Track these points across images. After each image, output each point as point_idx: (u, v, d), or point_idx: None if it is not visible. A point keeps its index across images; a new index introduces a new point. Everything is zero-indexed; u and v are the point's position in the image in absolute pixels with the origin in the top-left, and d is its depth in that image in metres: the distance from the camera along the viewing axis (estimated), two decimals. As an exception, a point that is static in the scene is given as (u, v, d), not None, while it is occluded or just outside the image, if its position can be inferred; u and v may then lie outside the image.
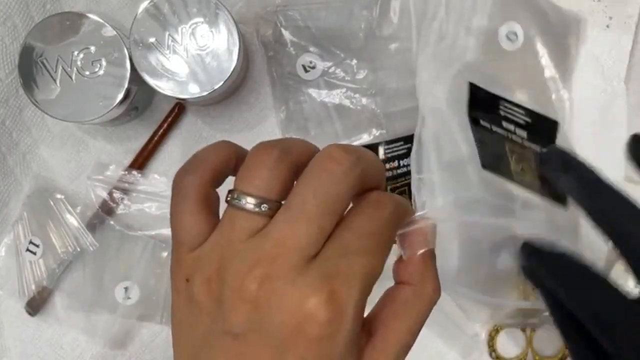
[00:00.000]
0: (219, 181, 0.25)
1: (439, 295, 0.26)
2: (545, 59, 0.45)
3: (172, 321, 0.25)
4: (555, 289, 0.31)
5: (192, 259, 0.24)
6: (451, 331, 0.48)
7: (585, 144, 0.47)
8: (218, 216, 0.25)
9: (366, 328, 0.24)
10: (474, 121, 0.39)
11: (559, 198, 0.40)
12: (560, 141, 0.43)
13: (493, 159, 0.37)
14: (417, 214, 0.27)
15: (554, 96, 0.45)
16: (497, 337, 0.48)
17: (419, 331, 0.25)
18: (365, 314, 0.24)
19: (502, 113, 0.41)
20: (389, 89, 0.45)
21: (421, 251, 0.26)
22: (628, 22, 0.48)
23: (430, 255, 0.26)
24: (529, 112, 0.42)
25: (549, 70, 0.45)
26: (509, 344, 0.48)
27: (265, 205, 0.23)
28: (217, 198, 0.25)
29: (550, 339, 0.48)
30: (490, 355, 0.48)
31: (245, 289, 0.22)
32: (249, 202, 0.23)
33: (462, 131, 0.40)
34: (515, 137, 0.40)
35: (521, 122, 0.41)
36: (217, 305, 0.22)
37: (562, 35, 0.45)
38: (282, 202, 0.23)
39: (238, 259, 0.22)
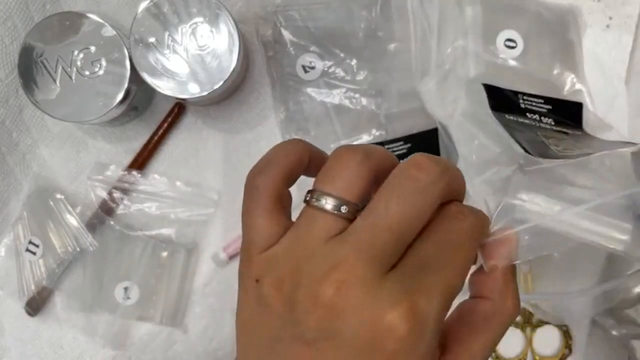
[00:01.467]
0: (292, 180, 0.25)
1: (518, 312, 0.25)
2: (549, 57, 0.45)
3: (238, 320, 0.24)
4: None
5: (264, 259, 0.23)
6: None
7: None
8: (290, 217, 0.24)
9: (440, 342, 0.23)
10: (500, 117, 0.38)
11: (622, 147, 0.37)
12: (589, 122, 0.41)
13: (532, 145, 0.36)
14: (494, 223, 0.26)
15: (566, 90, 0.45)
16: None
17: (495, 347, 0.24)
18: None
19: (522, 105, 0.40)
20: (388, 90, 0.45)
21: (504, 264, 0.25)
22: (628, 22, 0.48)
23: (512, 270, 0.25)
24: (549, 100, 0.41)
25: (556, 68, 0.45)
26: (509, 344, 0.48)
27: (345, 207, 0.22)
28: (290, 198, 0.25)
29: (550, 339, 0.48)
30: (490, 355, 0.48)
31: (321, 294, 0.21)
32: (329, 203, 0.22)
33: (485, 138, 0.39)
34: (544, 125, 0.40)
35: (544, 110, 0.41)
36: (289, 309, 0.22)
37: (561, 32, 0.45)
38: (360, 208, 0.23)
39: (314, 262, 0.22)
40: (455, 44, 0.43)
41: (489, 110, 0.39)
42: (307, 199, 0.23)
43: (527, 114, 0.40)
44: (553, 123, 0.40)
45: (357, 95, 0.45)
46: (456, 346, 0.24)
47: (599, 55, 0.48)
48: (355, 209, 0.22)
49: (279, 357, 0.22)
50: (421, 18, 0.43)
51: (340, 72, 0.44)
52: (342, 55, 0.44)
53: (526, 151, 0.35)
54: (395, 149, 0.44)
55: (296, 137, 0.46)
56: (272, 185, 0.24)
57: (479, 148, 0.36)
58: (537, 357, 0.48)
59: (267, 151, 0.25)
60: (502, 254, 0.25)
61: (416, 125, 0.44)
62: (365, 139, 0.45)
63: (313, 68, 0.44)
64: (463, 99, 0.40)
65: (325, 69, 0.44)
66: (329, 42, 0.44)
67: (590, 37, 0.47)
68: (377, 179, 0.23)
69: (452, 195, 0.23)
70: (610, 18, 0.48)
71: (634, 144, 0.37)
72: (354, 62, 0.44)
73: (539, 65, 0.44)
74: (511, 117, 0.39)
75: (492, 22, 0.43)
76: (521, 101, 0.41)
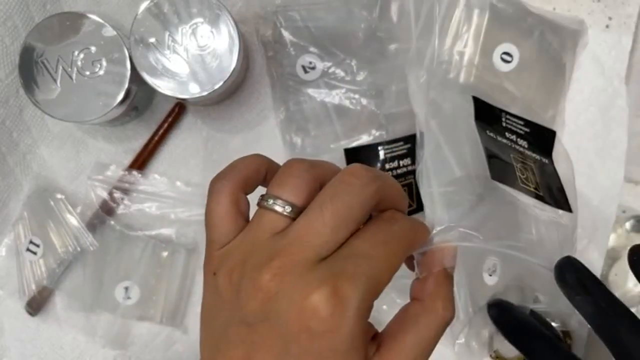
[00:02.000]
0: (249, 187, 0.28)
1: (450, 313, 0.27)
2: (539, 78, 0.45)
3: (201, 311, 0.27)
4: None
5: (220, 254, 0.26)
6: (451, 330, 0.48)
7: (586, 145, 0.47)
8: (248, 219, 0.27)
9: (377, 341, 0.26)
10: (481, 132, 0.39)
11: (563, 205, 0.40)
12: (556, 151, 0.43)
13: (501, 169, 0.38)
14: (434, 233, 0.29)
15: (548, 114, 0.45)
16: (497, 337, 0.48)
17: (429, 348, 0.26)
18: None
19: (504, 124, 0.41)
20: (388, 90, 0.45)
21: (435, 270, 0.28)
22: (627, 22, 0.48)
23: (444, 275, 0.28)
24: (528, 123, 0.42)
25: (542, 91, 0.45)
26: (509, 344, 0.48)
27: (289, 207, 0.25)
28: (247, 203, 0.28)
29: (550, 339, 0.48)
30: (490, 355, 0.48)
31: (260, 279, 0.23)
32: (276, 204, 0.25)
33: (460, 148, 0.40)
34: (518, 147, 0.41)
35: (521, 132, 0.42)
36: (236, 295, 0.24)
37: (557, 55, 0.45)
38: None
39: (258, 253, 0.24)
40: (454, 48, 0.43)
41: (472, 121, 0.40)
42: (259, 201, 0.26)
43: (506, 133, 0.41)
44: (526, 146, 0.42)
45: (357, 96, 0.45)
46: (389, 341, 0.26)
47: (599, 55, 0.48)
48: (299, 210, 0.25)
49: (229, 340, 0.24)
50: (425, 14, 0.43)
51: (340, 73, 0.44)
52: (342, 55, 0.44)
53: (492, 174, 0.37)
54: (395, 149, 0.44)
55: (296, 137, 0.46)
56: (229, 190, 0.27)
57: (445, 161, 0.38)
58: (536, 357, 0.48)
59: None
60: (434, 262, 0.29)
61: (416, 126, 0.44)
62: (365, 139, 0.45)
63: (313, 68, 0.44)
64: (446, 105, 0.41)
65: (325, 69, 0.44)
66: (329, 43, 0.44)
67: (590, 37, 0.47)
68: (322, 184, 0.26)
69: (387, 202, 0.27)
70: (610, 18, 0.48)
71: (570, 210, 0.40)
72: (354, 62, 0.44)
73: (527, 85, 0.44)
74: (491, 134, 0.40)
75: (494, 32, 0.43)
76: (504, 119, 0.42)
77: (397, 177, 0.44)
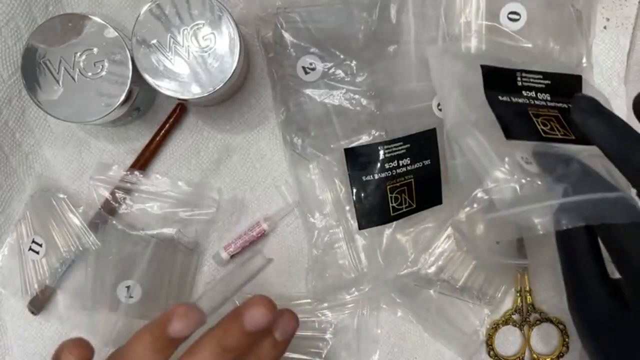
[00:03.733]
0: None
1: None
2: (553, 29, 0.44)
3: None
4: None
5: None
6: (450, 330, 0.48)
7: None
8: None
9: None
10: (492, 100, 0.39)
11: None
12: (586, 92, 0.43)
13: (516, 127, 0.38)
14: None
15: (573, 59, 0.45)
16: (495, 335, 0.48)
17: None
18: None
19: (519, 83, 0.41)
20: (388, 91, 0.45)
21: None
22: (625, 23, 0.48)
23: None
24: (549, 75, 0.42)
25: (561, 36, 0.44)
26: (507, 342, 0.49)
27: None
28: None
29: (547, 337, 0.49)
30: (489, 353, 0.48)
31: None
32: None
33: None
34: (538, 102, 0.41)
35: (541, 86, 0.42)
36: None
37: (568, 3, 0.44)
38: None
39: None
40: (461, 20, 0.43)
41: (482, 92, 0.40)
42: None
43: (523, 91, 0.41)
44: (549, 98, 0.41)
45: (356, 96, 0.45)
46: None
47: (597, 56, 0.48)
48: None
49: None
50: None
51: (340, 74, 0.45)
52: (342, 56, 0.44)
53: (506, 134, 0.38)
54: (394, 149, 0.44)
55: (296, 138, 0.47)
56: None
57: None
58: (534, 355, 0.48)
59: None
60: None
61: (415, 126, 0.44)
62: (364, 139, 0.45)
63: (313, 69, 0.45)
64: (464, 76, 0.41)
65: (326, 70, 0.45)
66: (329, 44, 0.44)
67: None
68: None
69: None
70: (608, 19, 0.48)
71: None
72: (353, 63, 0.45)
73: (542, 37, 0.44)
74: (505, 98, 0.40)
75: None
76: (519, 79, 0.42)
77: (396, 176, 0.44)
